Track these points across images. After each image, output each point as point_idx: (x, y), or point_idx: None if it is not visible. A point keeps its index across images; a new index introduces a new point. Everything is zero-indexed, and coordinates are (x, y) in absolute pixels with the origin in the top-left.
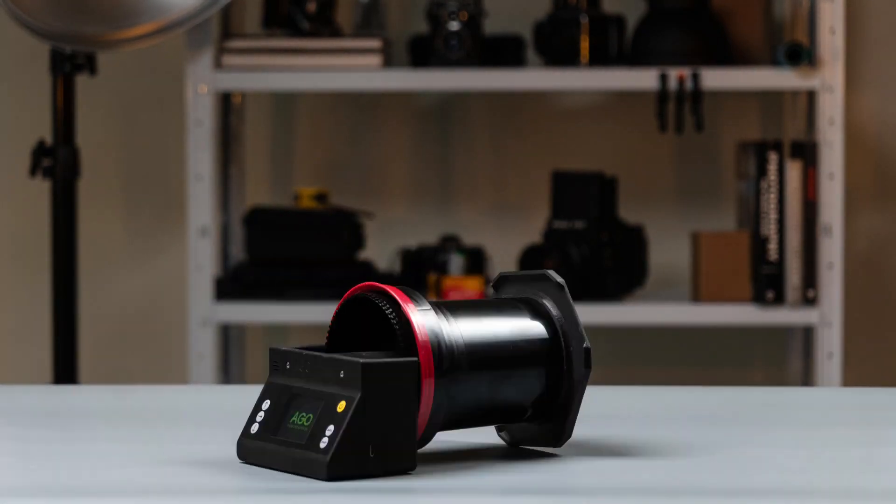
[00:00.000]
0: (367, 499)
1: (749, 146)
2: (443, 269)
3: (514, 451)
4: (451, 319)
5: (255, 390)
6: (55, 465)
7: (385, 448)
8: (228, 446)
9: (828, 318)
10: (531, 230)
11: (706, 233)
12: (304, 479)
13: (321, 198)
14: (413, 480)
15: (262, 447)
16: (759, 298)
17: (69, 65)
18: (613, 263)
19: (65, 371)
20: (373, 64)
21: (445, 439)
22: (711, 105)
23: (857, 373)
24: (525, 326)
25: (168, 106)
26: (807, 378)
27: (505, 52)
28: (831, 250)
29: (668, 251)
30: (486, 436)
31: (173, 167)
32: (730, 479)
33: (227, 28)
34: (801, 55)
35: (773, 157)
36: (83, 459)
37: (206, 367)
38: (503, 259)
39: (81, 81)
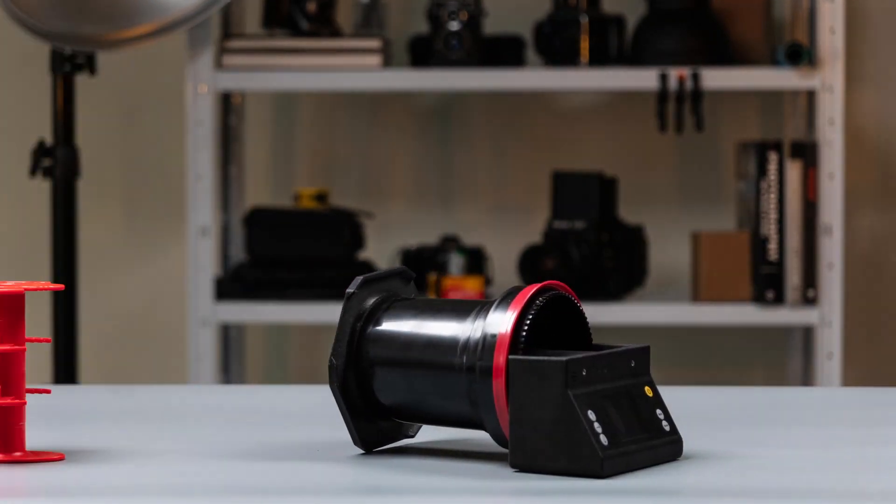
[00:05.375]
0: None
1: (749, 146)
2: (443, 269)
3: None
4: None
5: (254, 390)
6: (55, 464)
7: None
8: (228, 446)
9: (828, 318)
10: (531, 230)
11: (706, 233)
12: (300, 473)
13: (321, 198)
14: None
15: (623, 453)
16: (759, 298)
17: (69, 65)
18: (613, 263)
19: (65, 371)
20: (373, 64)
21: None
22: (711, 105)
23: (857, 373)
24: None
25: (168, 106)
26: (807, 378)
27: (505, 52)
28: (831, 250)
29: (668, 251)
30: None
31: (173, 167)
32: (729, 479)
33: (228, 28)
34: (801, 55)
35: (773, 157)
36: (83, 459)
37: (206, 367)
38: (503, 259)
39: (81, 81)
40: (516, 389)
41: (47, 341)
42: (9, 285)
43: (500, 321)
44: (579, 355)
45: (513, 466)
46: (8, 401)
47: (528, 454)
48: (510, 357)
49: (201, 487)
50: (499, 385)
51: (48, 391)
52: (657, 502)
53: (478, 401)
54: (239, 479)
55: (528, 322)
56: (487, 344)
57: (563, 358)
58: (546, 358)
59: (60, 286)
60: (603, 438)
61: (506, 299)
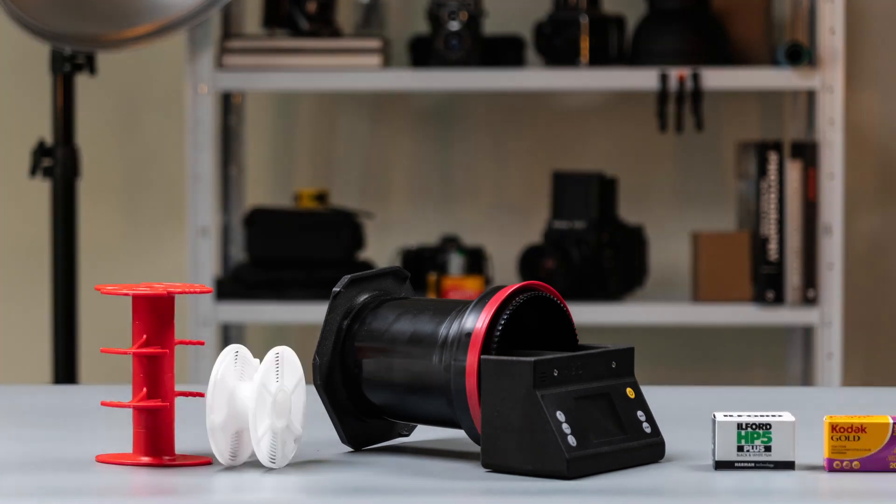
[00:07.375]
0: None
1: (749, 146)
2: (443, 269)
3: None
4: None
5: None
6: (55, 464)
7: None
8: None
9: (828, 318)
10: (531, 230)
11: (706, 233)
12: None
13: (321, 198)
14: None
15: (593, 454)
16: (759, 298)
17: (69, 65)
18: (613, 263)
19: (65, 371)
20: (373, 64)
21: None
22: (711, 105)
23: (857, 373)
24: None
25: (168, 106)
26: (807, 378)
27: (505, 52)
28: (831, 250)
29: (668, 251)
30: None
31: (173, 167)
32: (729, 478)
33: (228, 28)
34: (801, 55)
35: (773, 157)
36: (84, 459)
37: (207, 367)
38: (503, 259)
39: (81, 81)
40: (487, 389)
41: (200, 344)
42: (156, 288)
43: (475, 321)
44: (550, 356)
45: (485, 466)
46: (156, 403)
47: (498, 454)
48: (481, 357)
49: (203, 487)
50: (471, 384)
51: (201, 394)
52: (657, 501)
53: (453, 399)
54: (238, 477)
55: (502, 322)
56: (462, 343)
57: (532, 358)
58: (515, 358)
59: (209, 289)
60: (571, 439)
61: (483, 299)
